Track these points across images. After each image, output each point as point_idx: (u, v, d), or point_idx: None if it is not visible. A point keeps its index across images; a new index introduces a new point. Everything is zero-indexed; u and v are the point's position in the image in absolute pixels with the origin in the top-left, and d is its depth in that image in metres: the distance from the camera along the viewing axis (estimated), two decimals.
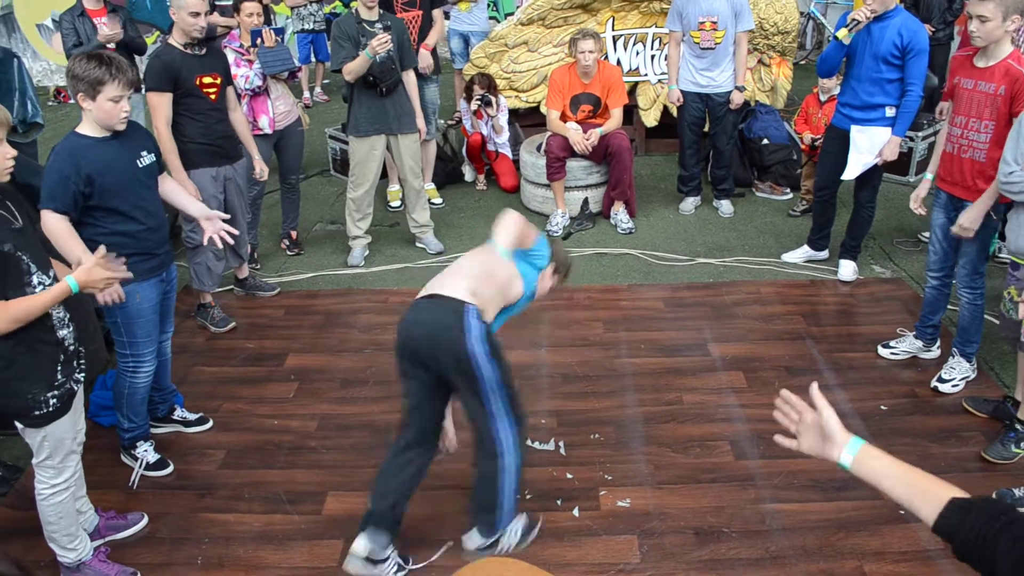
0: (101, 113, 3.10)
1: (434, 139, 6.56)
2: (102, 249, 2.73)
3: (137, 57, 6.53)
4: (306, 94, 9.86)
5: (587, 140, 5.86)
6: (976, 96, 3.74)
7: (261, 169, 4.92)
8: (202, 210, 3.65)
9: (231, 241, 3.72)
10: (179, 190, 3.68)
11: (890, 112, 4.73)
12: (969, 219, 3.74)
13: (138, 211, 3.28)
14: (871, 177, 4.93)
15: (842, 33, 4.64)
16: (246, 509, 3.43)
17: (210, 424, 3.97)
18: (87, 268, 2.67)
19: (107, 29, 5.90)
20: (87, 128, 3.17)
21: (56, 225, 3.11)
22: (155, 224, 3.38)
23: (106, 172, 3.15)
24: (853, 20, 4.58)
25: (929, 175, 4.15)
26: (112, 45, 6.02)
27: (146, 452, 3.63)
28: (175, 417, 3.93)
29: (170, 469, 3.65)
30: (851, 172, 4.86)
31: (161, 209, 3.45)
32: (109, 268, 2.70)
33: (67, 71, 3.10)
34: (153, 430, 3.86)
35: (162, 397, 3.87)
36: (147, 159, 3.32)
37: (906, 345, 4.34)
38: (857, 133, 4.81)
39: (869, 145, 4.79)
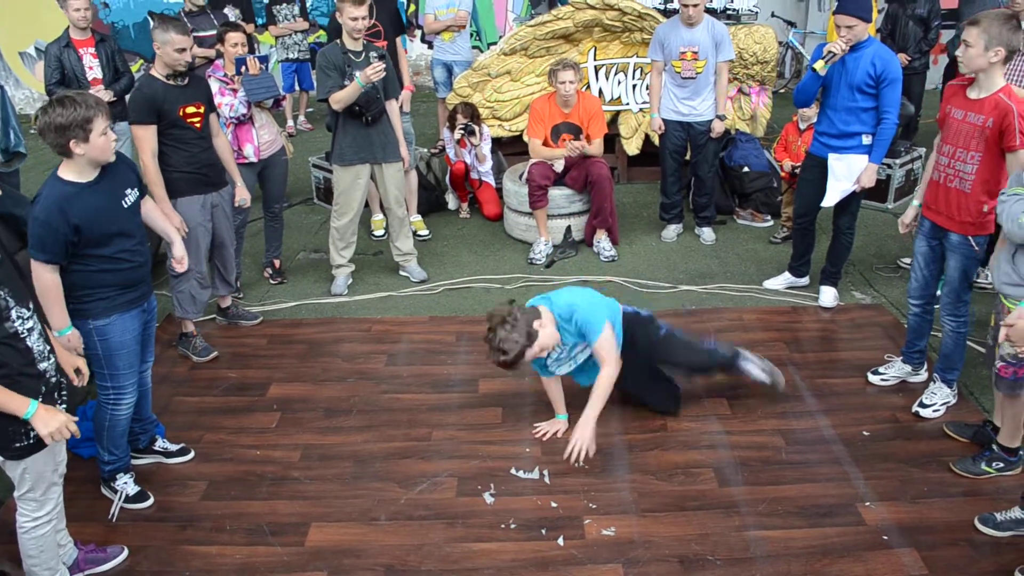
0: (96, 151, 3.06)
1: (414, 168, 6.59)
2: (72, 422, 2.71)
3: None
4: (290, 123, 9.87)
5: (576, 146, 5.92)
6: (965, 127, 3.77)
7: (243, 197, 4.92)
8: (178, 240, 3.67)
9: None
10: (159, 216, 3.69)
11: (866, 140, 4.80)
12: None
13: (123, 253, 3.27)
14: (850, 204, 4.99)
15: (819, 65, 4.71)
16: (228, 541, 3.39)
17: (191, 455, 3.93)
18: (47, 419, 2.63)
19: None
20: (70, 173, 3.11)
21: (46, 277, 3.09)
22: (139, 262, 3.37)
23: (93, 222, 3.12)
24: (829, 52, 4.65)
25: (916, 201, 4.16)
26: (99, 76, 5.99)
27: (126, 484, 3.59)
28: (156, 448, 3.90)
29: (150, 501, 3.61)
30: (830, 199, 4.92)
31: (145, 245, 3.44)
32: (69, 427, 2.71)
33: (44, 126, 2.97)
34: (134, 461, 3.82)
35: (143, 428, 3.84)
36: (131, 197, 3.31)
37: (895, 371, 4.37)
38: (835, 161, 4.87)
39: (847, 172, 4.85)
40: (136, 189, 3.36)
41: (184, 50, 4.28)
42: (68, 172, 3.12)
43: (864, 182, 4.82)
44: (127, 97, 4.93)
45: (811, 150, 5.07)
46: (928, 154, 5.45)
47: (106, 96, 5.87)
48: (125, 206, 3.28)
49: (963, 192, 3.80)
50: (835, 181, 4.88)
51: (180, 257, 3.86)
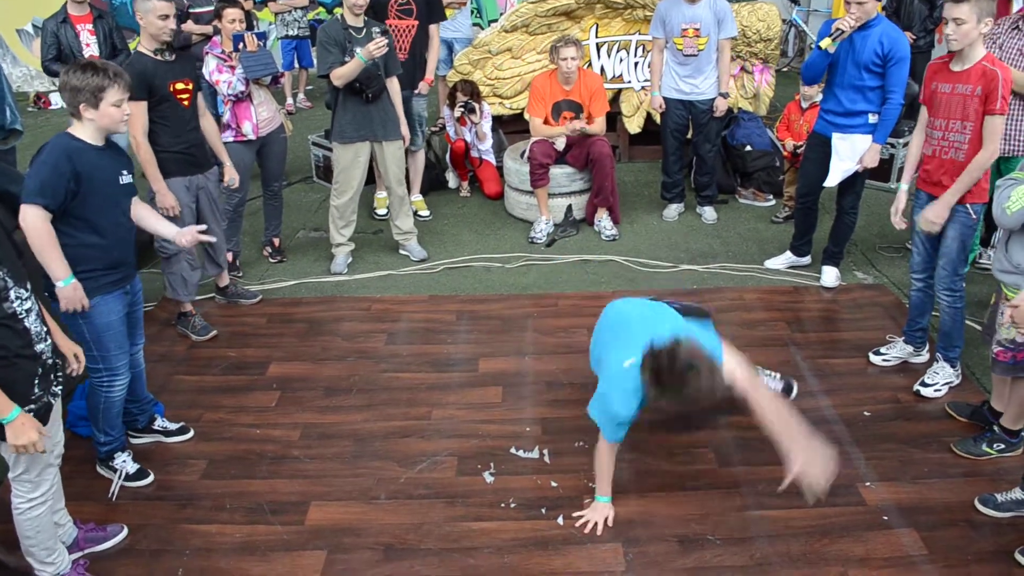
0: (105, 119, 3.13)
1: (421, 149, 6.54)
2: (42, 443, 2.65)
3: None
4: (289, 100, 9.82)
5: (575, 127, 5.89)
6: (954, 99, 3.79)
7: (231, 177, 4.88)
8: (174, 231, 3.65)
9: (211, 239, 3.80)
10: (151, 215, 3.66)
11: (872, 119, 4.77)
12: (934, 212, 3.83)
13: (111, 226, 3.26)
14: (853, 183, 4.95)
15: (826, 42, 4.67)
16: (228, 520, 3.39)
17: (191, 434, 3.93)
18: (20, 432, 2.56)
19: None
20: (82, 133, 3.16)
21: (40, 225, 3.05)
22: (123, 241, 3.36)
23: (94, 178, 3.14)
24: (838, 29, 4.60)
25: (904, 184, 4.16)
26: (96, 53, 5.95)
27: (124, 463, 3.58)
28: (155, 427, 3.89)
29: (150, 478, 3.60)
30: (833, 179, 4.90)
31: (131, 227, 3.43)
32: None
33: (62, 84, 3.09)
34: (133, 441, 3.83)
35: (140, 408, 3.83)
36: (127, 178, 3.33)
37: (896, 351, 4.35)
38: (839, 140, 4.84)
39: (850, 152, 4.82)
40: (130, 175, 3.37)
41: (167, 17, 4.22)
42: (77, 131, 3.17)
43: (867, 162, 4.80)
44: None
45: (816, 128, 5.04)
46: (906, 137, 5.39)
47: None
48: (121, 182, 3.30)
49: (958, 162, 3.82)
50: (839, 161, 4.86)
51: (176, 235, 3.75)
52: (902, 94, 4.70)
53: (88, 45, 5.97)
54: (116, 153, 3.30)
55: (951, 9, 3.64)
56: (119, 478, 3.55)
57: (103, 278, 3.28)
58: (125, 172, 3.32)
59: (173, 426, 3.92)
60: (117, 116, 3.15)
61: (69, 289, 3.14)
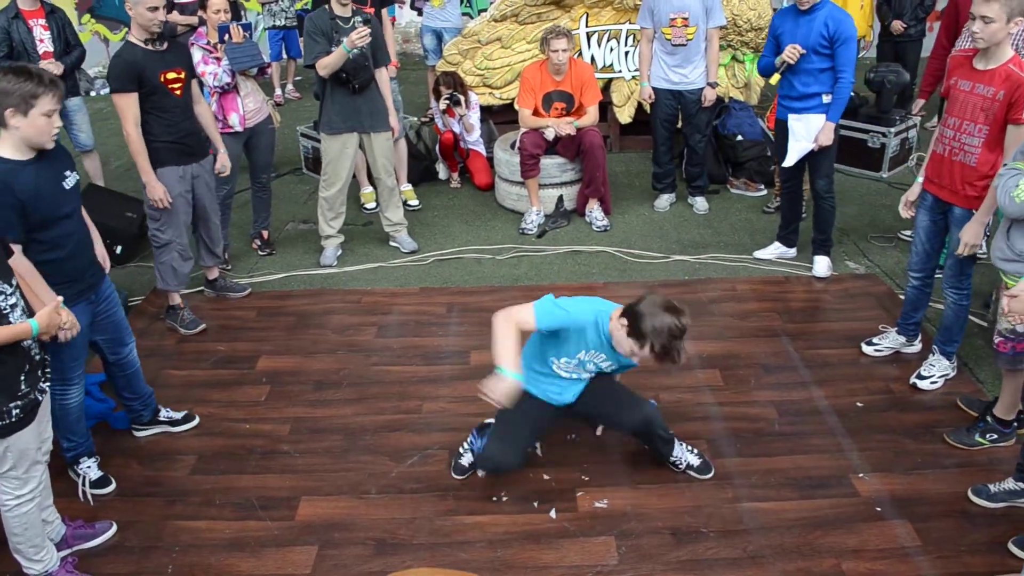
0: (32, 130, 2.89)
1: (403, 136, 6.49)
2: (59, 299, 2.76)
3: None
4: (278, 91, 9.74)
5: (565, 132, 5.85)
6: (972, 99, 3.66)
7: (223, 164, 4.81)
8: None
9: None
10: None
11: (826, 99, 4.89)
12: (971, 235, 3.66)
13: (64, 238, 3.11)
14: (820, 166, 5.02)
15: (775, 78, 5.03)
16: (217, 516, 3.36)
17: (196, 420, 3.91)
18: (49, 313, 2.69)
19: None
20: (8, 149, 2.94)
21: (21, 263, 2.89)
22: (80, 249, 3.22)
23: (37, 200, 2.95)
24: (782, 62, 4.85)
25: (920, 178, 4.04)
26: (50, 49, 5.68)
27: (88, 468, 3.50)
28: (161, 418, 3.86)
29: (112, 487, 3.51)
30: (790, 159, 5.03)
31: (86, 231, 3.29)
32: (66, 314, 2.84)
33: None
34: (140, 433, 3.82)
35: (143, 403, 3.79)
36: (71, 179, 3.14)
37: (889, 341, 4.34)
38: (794, 121, 4.98)
39: (805, 132, 4.95)
40: (75, 173, 3.19)
41: (156, 8, 4.14)
42: (5, 149, 2.94)
43: (822, 140, 4.90)
44: (108, 66, 4.74)
45: (777, 115, 5.17)
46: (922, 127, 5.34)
47: (57, 69, 5.53)
48: (66, 187, 3.11)
49: (968, 166, 3.70)
50: (795, 141, 4.99)
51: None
52: (852, 72, 4.82)
53: (42, 41, 5.69)
54: (53, 157, 3.07)
55: (980, 6, 3.48)
56: (82, 484, 3.48)
57: (65, 290, 3.05)
58: (68, 173, 3.12)
59: (178, 415, 3.90)
60: (46, 128, 2.92)
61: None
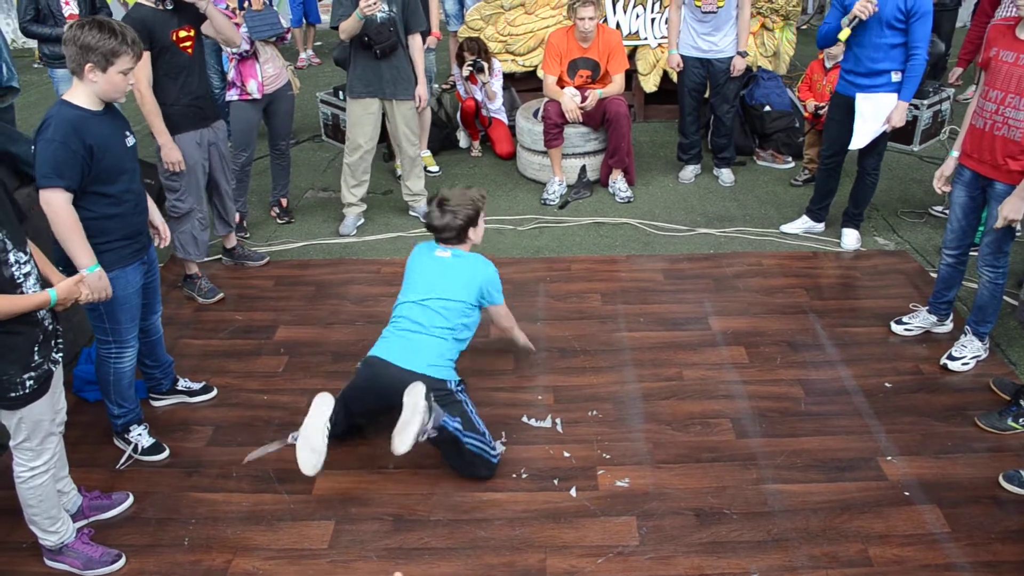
0: (108, 85, 2.94)
1: (428, 105, 6.39)
2: (81, 274, 2.79)
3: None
4: (302, 55, 9.65)
5: (582, 105, 5.72)
6: (1017, 71, 3.51)
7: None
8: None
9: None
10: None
11: (896, 77, 4.62)
12: (1012, 209, 3.54)
13: (126, 193, 3.14)
14: (877, 144, 4.81)
15: (844, 33, 4.59)
16: (234, 488, 3.33)
17: (214, 392, 3.89)
18: (70, 286, 2.68)
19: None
20: (80, 99, 2.97)
21: (65, 210, 2.91)
22: (140, 206, 3.25)
23: (104, 150, 2.99)
24: (854, 16, 4.49)
25: (955, 152, 3.92)
26: (75, 12, 5.68)
27: (140, 436, 3.51)
28: (179, 388, 3.85)
29: (166, 454, 3.52)
30: (859, 141, 4.75)
31: (143, 192, 3.31)
32: (90, 288, 2.86)
33: (71, 39, 2.85)
34: (157, 403, 3.80)
35: (164, 372, 3.78)
36: (131, 140, 3.18)
37: (919, 320, 4.23)
38: (862, 101, 4.70)
39: (874, 112, 4.68)
40: (133, 136, 3.22)
41: None
42: (76, 97, 2.98)
43: (895, 121, 4.65)
44: None
45: (838, 89, 4.89)
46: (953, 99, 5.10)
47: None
48: (128, 145, 3.16)
49: (1011, 140, 3.57)
50: (862, 123, 4.71)
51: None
52: (926, 50, 4.55)
53: (67, 3, 5.69)
54: (115, 115, 3.14)
55: None
56: (134, 452, 3.47)
57: (123, 249, 3.17)
58: (128, 134, 3.18)
59: (196, 385, 3.89)
60: (121, 86, 2.97)
61: (94, 277, 2.99)
